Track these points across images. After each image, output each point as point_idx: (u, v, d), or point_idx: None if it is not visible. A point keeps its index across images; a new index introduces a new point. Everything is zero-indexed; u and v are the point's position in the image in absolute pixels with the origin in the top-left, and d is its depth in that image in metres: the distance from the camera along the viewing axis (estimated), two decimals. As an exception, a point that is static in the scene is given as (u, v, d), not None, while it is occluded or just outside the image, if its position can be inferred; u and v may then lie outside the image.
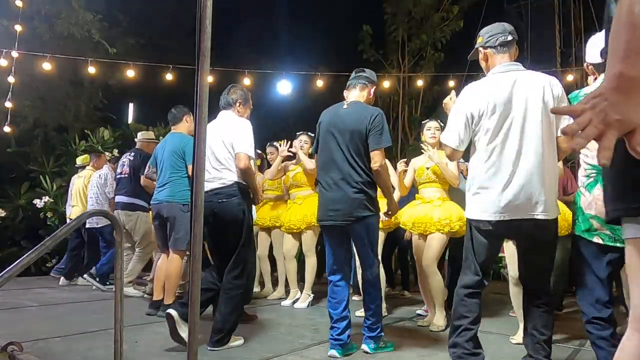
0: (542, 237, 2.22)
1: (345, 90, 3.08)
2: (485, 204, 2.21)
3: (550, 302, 2.29)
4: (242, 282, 3.01)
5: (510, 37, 2.30)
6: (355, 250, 2.95)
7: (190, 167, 3.87)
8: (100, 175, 5.75)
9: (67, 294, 5.09)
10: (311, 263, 4.47)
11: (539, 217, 2.14)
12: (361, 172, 2.75)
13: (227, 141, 3.08)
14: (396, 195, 3.95)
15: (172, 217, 3.89)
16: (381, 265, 3.17)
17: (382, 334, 2.89)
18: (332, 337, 2.79)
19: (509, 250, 3.04)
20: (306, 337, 3.26)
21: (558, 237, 2.31)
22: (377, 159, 2.75)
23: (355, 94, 2.98)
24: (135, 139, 5.28)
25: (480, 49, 2.36)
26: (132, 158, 4.92)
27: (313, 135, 4.53)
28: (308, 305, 4.40)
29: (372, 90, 3.04)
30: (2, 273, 1.69)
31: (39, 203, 7.21)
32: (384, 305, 3.70)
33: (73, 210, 6.03)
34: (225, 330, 2.92)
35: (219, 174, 3.04)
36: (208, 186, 2.98)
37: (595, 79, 2.30)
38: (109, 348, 2.00)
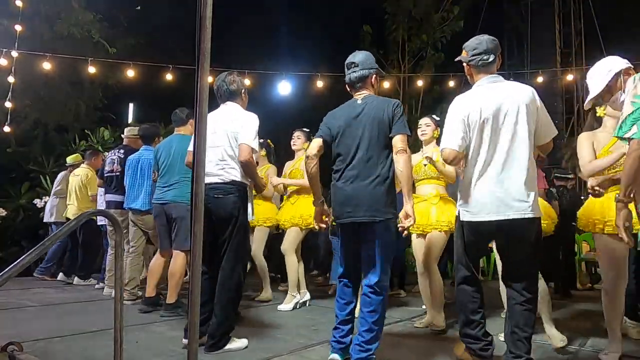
0: (522, 236, 2.34)
1: (348, 88, 2.84)
2: (470, 206, 2.43)
3: (532, 300, 2.35)
4: (235, 282, 2.94)
5: (492, 58, 2.46)
6: (362, 253, 2.61)
7: None
8: None
9: (67, 294, 5.09)
10: (291, 262, 4.30)
11: (514, 216, 2.30)
12: (382, 166, 2.56)
13: (234, 136, 3.00)
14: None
15: (180, 218, 3.88)
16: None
17: (374, 357, 2.50)
18: (335, 339, 2.63)
19: None
20: (306, 337, 3.26)
21: (539, 236, 2.38)
22: (401, 143, 2.53)
23: (362, 90, 2.75)
24: (122, 135, 5.23)
25: (464, 63, 2.54)
26: (122, 156, 4.80)
27: (308, 130, 4.50)
28: (294, 308, 4.25)
29: (375, 77, 2.78)
30: (2, 273, 1.69)
31: (39, 203, 7.21)
32: None
33: (69, 209, 5.96)
34: (219, 334, 2.85)
35: (220, 169, 2.98)
36: (207, 180, 2.92)
37: None
38: (109, 348, 2.00)
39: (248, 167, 3.01)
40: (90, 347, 2.88)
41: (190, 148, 3.22)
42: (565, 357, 2.91)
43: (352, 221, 2.57)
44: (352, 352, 2.51)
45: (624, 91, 2.21)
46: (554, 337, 3.00)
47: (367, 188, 2.53)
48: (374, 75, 2.78)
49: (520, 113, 2.35)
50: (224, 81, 3.14)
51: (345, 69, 2.80)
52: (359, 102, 2.71)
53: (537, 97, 2.40)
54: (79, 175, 5.97)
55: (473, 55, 2.48)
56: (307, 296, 4.49)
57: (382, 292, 2.52)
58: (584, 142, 2.85)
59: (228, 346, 2.87)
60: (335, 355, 2.60)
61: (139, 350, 2.85)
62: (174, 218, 3.93)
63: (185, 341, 2.86)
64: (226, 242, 2.96)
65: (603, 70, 2.34)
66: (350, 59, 2.78)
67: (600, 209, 2.80)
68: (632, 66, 2.33)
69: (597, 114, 2.93)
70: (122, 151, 4.88)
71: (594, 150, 2.81)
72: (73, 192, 5.94)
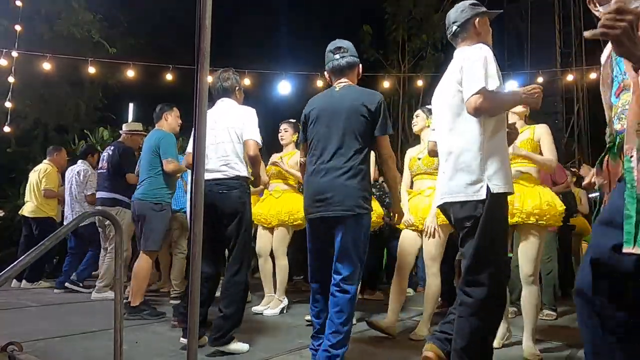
0: (455, 218, 2.11)
1: (327, 72, 2.69)
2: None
3: (463, 303, 2.01)
4: (242, 278, 2.91)
5: (453, 29, 2.25)
6: (333, 249, 2.46)
7: (165, 162, 3.84)
8: (79, 172, 5.50)
9: (67, 294, 5.08)
10: (281, 265, 4.14)
11: (447, 200, 2.12)
12: (356, 159, 2.43)
13: (235, 132, 2.98)
14: (405, 197, 3.54)
15: (142, 216, 3.84)
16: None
17: None
18: (313, 347, 2.52)
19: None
20: (305, 337, 3.24)
21: (476, 217, 2.02)
22: (387, 146, 2.50)
23: (345, 79, 2.64)
24: (120, 131, 5.19)
25: None
26: (110, 152, 4.76)
27: (294, 121, 4.35)
28: (281, 312, 4.12)
29: (360, 67, 2.72)
30: (2, 273, 1.69)
31: (37, 203, 7.19)
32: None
33: (26, 206, 5.72)
34: (226, 328, 2.82)
35: (223, 164, 2.95)
36: (210, 176, 2.92)
37: None
38: (109, 348, 2.00)
39: (255, 162, 3.02)
40: (90, 347, 2.88)
41: (189, 149, 3.21)
42: (565, 357, 2.91)
43: (321, 216, 2.45)
44: (319, 358, 2.36)
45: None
46: (527, 347, 2.81)
47: (339, 181, 2.40)
48: (360, 64, 2.73)
49: (449, 89, 2.17)
50: (218, 78, 3.13)
51: (330, 55, 2.64)
52: (337, 89, 2.62)
53: (464, 58, 2.10)
54: (37, 172, 5.76)
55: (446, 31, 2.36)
56: (285, 302, 4.26)
57: (349, 291, 2.37)
58: None
59: (231, 346, 2.84)
60: None
61: (139, 350, 2.85)
62: (137, 216, 3.89)
63: (183, 340, 2.86)
64: (233, 238, 2.92)
65: None
66: (335, 44, 2.66)
67: None
68: None
69: None
70: (112, 148, 4.83)
71: None
72: (30, 188, 5.72)
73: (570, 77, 9.24)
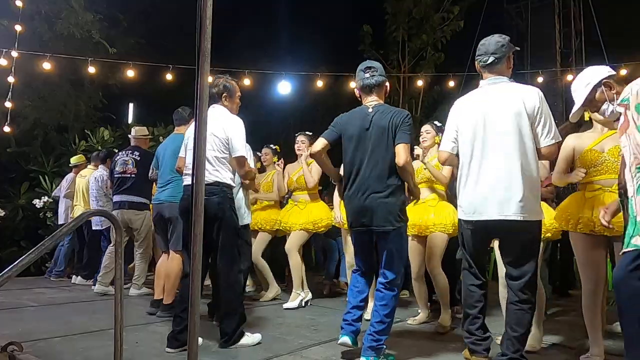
0: (516, 237, 2.42)
1: (357, 89, 2.91)
2: (463, 206, 2.54)
3: (525, 301, 2.40)
4: (232, 281, 2.99)
5: (491, 59, 2.50)
6: (380, 255, 2.80)
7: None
8: (96, 178, 5.69)
9: (67, 294, 5.09)
10: (295, 261, 4.38)
11: (511, 218, 2.35)
12: (391, 178, 2.69)
13: (220, 140, 2.99)
14: None
15: (173, 218, 3.91)
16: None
17: (385, 346, 2.68)
18: (347, 322, 2.73)
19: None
20: (306, 337, 3.26)
21: (538, 238, 2.48)
22: (403, 154, 2.64)
23: (375, 96, 2.84)
24: (129, 135, 5.20)
25: (476, 62, 2.65)
26: (138, 158, 4.81)
27: (310, 134, 4.47)
28: (298, 306, 4.33)
29: (388, 85, 2.93)
30: (2, 273, 1.69)
31: (38, 203, 7.21)
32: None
33: (75, 210, 6.06)
34: (231, 331, 2.91)
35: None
36: (189, 180, 2.97)
37: None
38: (109, 348, 2.00)
39: (247, 177, 3.26)
40: (90, 347, 2.89)
41: (181, 153, 3.29)
42: (564, 356, 2.92)
43: (367, 229, 2.72)
44: (365, 341, 2.64)
45: (611, 102, 2.20)
46: (533, 336, 2.94)
47: (381, 199, 2.66)
48: (388, 83, 2.91)
49: (508, 116, 2.38)
50: (211, 83, 3.14)
51: (361, 74, 2.84)
52: (370, 110, 2.80)
53: (536, 100, 2.40)
54: (85, 177, 6.01)
55: (477, 56, 2.58)
56: (309, 295, 4.51)
57: (394, 289, 2.71)
58: (564, 149, 2.83)
59: (242, 341, 2.92)
60: (346, 339, 2.70)
61: (139, 350, 2.85)
62: (168, 218, 3.97)
63: (169, 350, 2.83)
64: (214, 243, 2.97)
65: (582, 84, 2.31)
66: (366, 64, 2.86)
67: (575, 206, 2.76)
68: (614, 73, 2.29)
69: (585, 118, 2.84)
70: (137, 153, 4.86)
71: (570, 158, 2.81)
72: (79, 193, 5.99)
73: (570, 77, 9.21)
